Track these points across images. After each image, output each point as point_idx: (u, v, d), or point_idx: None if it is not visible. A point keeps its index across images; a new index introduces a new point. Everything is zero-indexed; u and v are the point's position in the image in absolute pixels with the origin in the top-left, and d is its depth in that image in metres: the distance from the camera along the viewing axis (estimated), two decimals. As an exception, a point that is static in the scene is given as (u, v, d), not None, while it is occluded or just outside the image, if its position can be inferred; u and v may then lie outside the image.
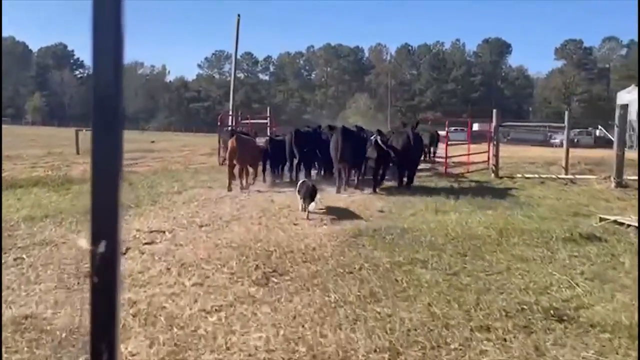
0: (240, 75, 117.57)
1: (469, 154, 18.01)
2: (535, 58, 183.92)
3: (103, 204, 1.06)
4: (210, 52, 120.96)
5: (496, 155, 16.91)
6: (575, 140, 51.58)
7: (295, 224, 8.76)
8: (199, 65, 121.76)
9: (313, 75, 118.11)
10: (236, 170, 13.18)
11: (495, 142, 17.03)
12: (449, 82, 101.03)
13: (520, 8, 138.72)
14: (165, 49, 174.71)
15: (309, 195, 9.69)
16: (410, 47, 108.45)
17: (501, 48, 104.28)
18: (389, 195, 13.03)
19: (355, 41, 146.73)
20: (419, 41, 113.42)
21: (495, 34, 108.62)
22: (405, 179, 14.24)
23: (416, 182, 14.77)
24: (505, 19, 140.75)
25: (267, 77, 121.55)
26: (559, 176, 16.30)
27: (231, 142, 12.85)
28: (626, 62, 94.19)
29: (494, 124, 17.31)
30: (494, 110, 17.66)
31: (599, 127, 61.08)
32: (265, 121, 20.78)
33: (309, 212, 9.41)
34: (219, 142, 18.00)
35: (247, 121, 20.60)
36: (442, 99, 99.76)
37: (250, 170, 13.97)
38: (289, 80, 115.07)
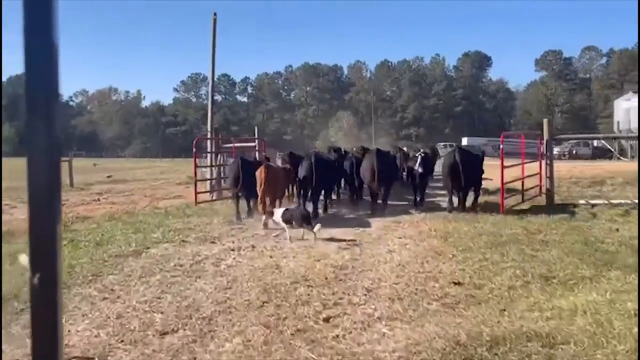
0: (218, 97, 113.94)
1: (523, 178, 13.96)
2: (515, 70, 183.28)
3: (41, 238, 1.04)
4: (186, 75, 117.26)
5: (550, 177, 13.32)
6: (574, 151, 48.89)
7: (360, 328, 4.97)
8: (175, 89, 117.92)
9: (292, 95, 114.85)
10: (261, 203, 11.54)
11: (548, 161, 13.46)
12: (431, 97, 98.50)
13: (499, 21, 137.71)
14: (140, 73, 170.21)
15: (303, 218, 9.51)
16: (389, 63, 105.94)
17: (481, 61, 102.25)
18: (457, 238, 9.18)
19: (334, 59, 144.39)
20: (398, 57, 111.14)
21: (474, 47, 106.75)
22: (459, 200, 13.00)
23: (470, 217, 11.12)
24: (484, 32, 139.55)
25: (245, 99, 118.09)
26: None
27: (260, 173, 11.37)
28: (607, 72, 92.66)
29: (545, 136, 13.74)
30: (545, 120, 14.15)
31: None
32: (252, 144, 17.07)
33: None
34: (195, 172, 14.09)
35: (231, 145, 16.79)
36: (424, 114, 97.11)
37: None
38: (268, 101, 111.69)
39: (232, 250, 8.61)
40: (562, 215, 11.28)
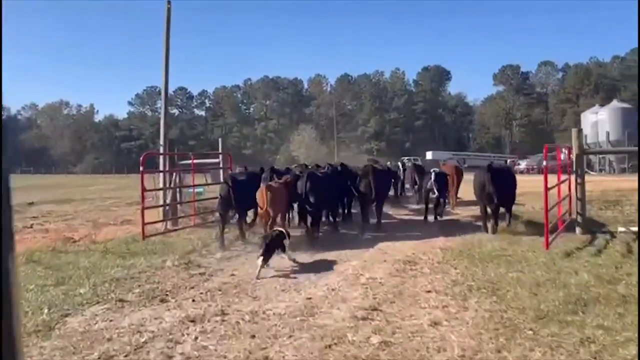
0: (175, 111, 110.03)
1: (560, 202, 11.37)
2: (474, 85, 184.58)
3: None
4: (142, 88, 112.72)
5: (582, 199, 10.87)
6: (544, 164, 46.95)
7: None
8: (130, 102, 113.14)
9: (252, 109, 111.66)
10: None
11: (579, 179, 11.02)
12: (391, 112, 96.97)
13: (458, 35, 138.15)
14: (93, 86, 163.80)
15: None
16: (350, 77, 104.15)
17: (441, 76, 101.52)
18: (512, 295, 6.43)
19: (294, 73, 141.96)
20: (359, 71, 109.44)
21: (434, 62, 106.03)
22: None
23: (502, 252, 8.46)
24: (444, 46, 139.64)
25: (203, 113, 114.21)
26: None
27: (261, 193, 10.47)
28: (563, 86, 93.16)
29: (575, 150, 11.31)
30: (573, 130, 11.75)
31: (564, 151, 57.75)
32: (214, 160, 14.12)
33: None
34: (142, 196, 10.92)
35: (190, 161, 13.76)
36: (385, 128, 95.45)
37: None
38: (226, 115, 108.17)
39: (192, 321, 5.74)
40: (619, 249, 8.80)
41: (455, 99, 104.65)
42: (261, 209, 10.61)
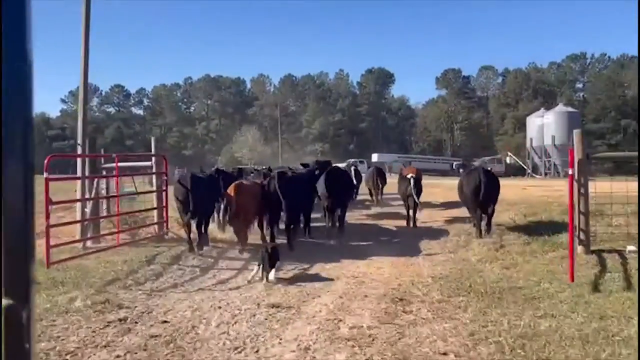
0: (111, 109, 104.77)
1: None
2: (417, 88, 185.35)
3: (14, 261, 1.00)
4: (76, 85, 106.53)
5: (586, 213, 9.15)
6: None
7: None
8: (63, 100, 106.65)
9: (192, 109, 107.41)
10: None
11: (583, 189, 9.28)
12: (336, 113, 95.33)
13: (401, 38, 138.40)
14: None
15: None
16: (294, 78, 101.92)
17: (384, 78, 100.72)
18: None
19: (236, 72, 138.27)
20: (303, 72, 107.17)
21: (377, 64, 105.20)
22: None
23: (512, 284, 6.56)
24: (387, 49, 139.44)
25: (141, 111, 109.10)
26: None
27: (230, 192, 9.81)
28: (503, 90, 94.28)
29: (577, 154, 9.57)
30: (575, 131, 10.06)
31: (509, 154, 57.60)
32: (146, 163, 11.61)
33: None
34: (47, 211, 8.16)
35: (114, 164, 11.16)
36: (329, 130, 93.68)
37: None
38: (165, 114, 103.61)
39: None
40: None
41: (398, 102, 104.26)
42: (232, 210, 9.77)
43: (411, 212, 14.15)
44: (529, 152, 53.21)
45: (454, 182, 16.01)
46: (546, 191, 21.64)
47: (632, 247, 9.13)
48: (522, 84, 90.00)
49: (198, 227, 10.52)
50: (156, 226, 11.25)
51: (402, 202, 14.84)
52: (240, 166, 24.16)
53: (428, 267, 8.49)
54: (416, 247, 10.78)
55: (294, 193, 10.65)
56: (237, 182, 10.62)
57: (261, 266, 7.95)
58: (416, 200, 13.79)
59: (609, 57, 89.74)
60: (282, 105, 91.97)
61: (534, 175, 48.98)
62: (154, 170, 11.22)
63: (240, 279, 8.23)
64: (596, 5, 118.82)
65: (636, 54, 60.89)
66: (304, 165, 13.68)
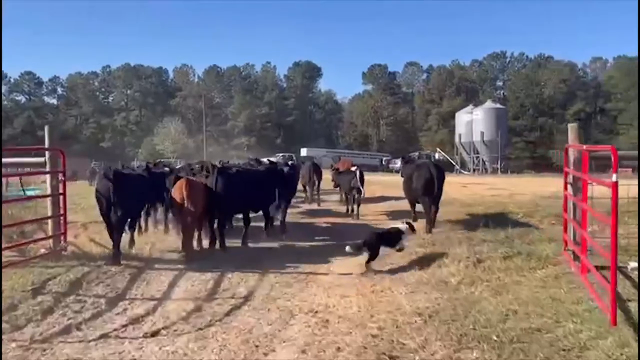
0: (20, 97, 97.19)
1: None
2: (344, 82, 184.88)
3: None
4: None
5: (582, 222, 7.59)
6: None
7: None
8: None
9: (111, 99, 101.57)
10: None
11: (579, 193, 7.65)
12: (262, 106, 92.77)
13: (329, 32, 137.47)
14: None
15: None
16: (219, 69, 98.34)
17: (312, 72, 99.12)
18: None
19: (158, 61, 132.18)
20: (228, 63, 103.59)
21: (304, 57, 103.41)
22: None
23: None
24: (314, 43, 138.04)
25: (54, 101, 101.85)
26: None
27: (179, 189, 9.02)
28: (427, 87, 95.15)
29: (572, 154, 7.98)
30: (570, 126, 8.51)
31: (438, 150, 57.40)
32: (37, 160, 8.97)
33: None
34: None
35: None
36: (255, 123, 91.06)
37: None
38: (81, 104, 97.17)
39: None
40: None
41: (325, 96, 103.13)
42: (178, 207, 9.08)
43: (355, 206, 14.17)
44: (457, 148, 53.30)
45: (388, 178, 15.25)
46: (491, 189, 20.64)
47: (634, 264, 7.72)
48: (445, 80, 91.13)
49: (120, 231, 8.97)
50: (51, 240, 8.80)
51: (333, 199, 15.38)
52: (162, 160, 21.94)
53: (404, 294, 6.67)
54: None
55: (248, 190, 10.08)
56: (185, 178, 9.63)
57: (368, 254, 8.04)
58: (362, 191, 13.93)
59: (527, 56, 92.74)
60: (206, 97, 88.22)
61: (462, 171, 48.99)
62: (47, 168, 8.71)
63: (160, 316, 6.11)
64: (516, 5, 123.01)
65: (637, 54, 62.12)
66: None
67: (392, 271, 8.06)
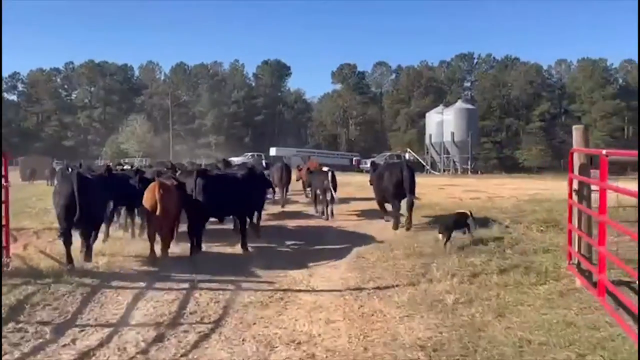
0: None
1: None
2: (313, 82, 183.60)
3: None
4: None
5: (587, 231, 6.87)
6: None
7: None
8: None
9: (74, 96, 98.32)
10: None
11: (585, 201, 6.93)
12: (231, 105, 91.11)
13: (299, 31, 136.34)
14: None
15: None
16: (186, 67, 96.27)
17: (281, 70, 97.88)
18: None
19: (123, 58, 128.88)
20: (195, 60, 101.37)
21: (274, 56, 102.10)
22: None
23: None
24: (283, 41, 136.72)
25: (14, 97, 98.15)
26: None
27: (152, 192, 8.60)
28: (396, 87, 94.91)
29: (578, 158, 7.28)
30: (574, 128, 7.79)
31: (408, 150, 56.97)
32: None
33: None
34: None
35: None
36: (223, 122, 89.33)
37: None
38: (43, 101, 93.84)
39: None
40: None
41: (294, 95, 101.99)
42: (150, 212, 8.70)
43: (327, 207, 13.94)
44: (428, 148, 52.98)
45: (359, 178, 14.97)
46: (468, 192, 20.07)
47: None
48: (414, 81, 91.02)
49: (86, 238, 8.45)
50: (-10, 255, 7.70)
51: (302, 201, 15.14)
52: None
53: (398, 319, 5.84)
54: (357, 268, 8.30)
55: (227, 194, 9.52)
56: (158, 181, 9.09)
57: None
58: (334, 194, 13.70)
59: (494, 58, 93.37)
60: (173, 95, 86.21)
61: (432, 171, 48.74)
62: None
63: (115, 348, 5.16)
64: (483, 6, 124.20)
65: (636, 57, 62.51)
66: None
67: (380, 288, 7.26)
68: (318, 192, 14.60)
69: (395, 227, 11.66)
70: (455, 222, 9.53)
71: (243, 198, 10.01)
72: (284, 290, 7.23)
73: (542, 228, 10.95)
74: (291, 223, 13.68)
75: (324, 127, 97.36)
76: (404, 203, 12.00)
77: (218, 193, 9.30)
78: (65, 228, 8.02)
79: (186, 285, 7.31)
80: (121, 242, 10.36)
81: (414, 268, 8.14)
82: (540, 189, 20.82)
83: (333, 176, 13.90)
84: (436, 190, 19.96)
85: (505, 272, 7.55)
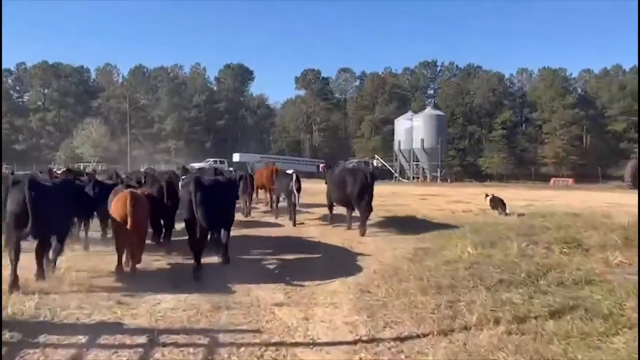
0: None
1: None
2: (276, 87, 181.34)
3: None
4: None
5: None
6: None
7: None
8: None
9: (26, 98, 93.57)
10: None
11: None
12: (191, 109, 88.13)
13: (261, 34, 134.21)
14: None
15: None
16: (145, 69, 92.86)
17: (243, 75, 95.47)
18: None
19: (79, 60, 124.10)
20: (155, 63, 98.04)
21: (236, 60, 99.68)
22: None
23: None
24: (246, 45, 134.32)
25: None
26: None
27: (122, 202, 8.00)
28: (360, 93, 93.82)
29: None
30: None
31: (376, 157, 55.45)
32: None
33: None
34: None
35: None
36: (184, 126, 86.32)
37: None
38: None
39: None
40: None
41: (257, 100, 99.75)
42: (119, 223, 7.96)
43: (293, 212, 13.79)
44: (397, 155, 51.63)
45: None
46: (454, 202, 18.53)
47: None
48: (378, 87, 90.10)
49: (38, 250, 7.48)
50: None
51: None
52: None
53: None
54: (365, 308, 6.48)
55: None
56: (129, 191, 8.37)
57: None
58: (297, 197, 13.65)
59: (457, 66, 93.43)
60: (131, 98, 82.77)
61: (401, 179, 47.41)
62: None
63: None
64: (446, 13, 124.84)
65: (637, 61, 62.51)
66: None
67: (401, 339, 5.47)
68: (282, 196, 14.43)
69: (348, 227, 12.59)
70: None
71: (232, 206, 9.66)
72: (276, 344, 5.37)
73: (564, 249, 9.38)
74: (255, 232, 12.36)
75: (287, 133, 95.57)
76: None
77: (217, 202, 8.43)
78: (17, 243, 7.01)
79: (143, 340, 5.35)
80: (66, 266, 8.25)
81: (438, 308, 6.37)
82: (525, 199, 19.56)
83: (297, 178, 13.76)
84: (419, 201, 18.41)
85: (559, 316, 5.87)
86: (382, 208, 16.20)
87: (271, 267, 8.98)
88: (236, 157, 55.82)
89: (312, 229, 13.10)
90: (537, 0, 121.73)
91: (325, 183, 14.46)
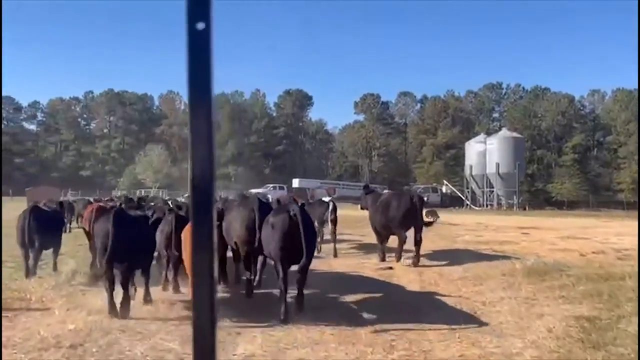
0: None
1: None
2: (335, 112, 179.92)
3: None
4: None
5: None
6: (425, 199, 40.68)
7: None
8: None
9: (93, 125, 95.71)
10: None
11: None
12: (251, 135, 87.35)
13: (321, 60, 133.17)
14: None
15: None
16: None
17: (302, 100, 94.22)
18: None
19: (143, 88, 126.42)
20: (216, 90, 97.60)
21: (295, 85, 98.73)
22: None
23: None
24: (306, 71, 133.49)
25: (34, 127, 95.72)
26: None
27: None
28: (422, 117, 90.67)
29: None
30: None
31: (445, 182, 52.18)
32: None
33: None
34: None
35: None
36: (243, 152, 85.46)
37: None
38: (62, 131, 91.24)
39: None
40: None
41: (316, 126, 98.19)
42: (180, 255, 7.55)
43: (333, 243, 12.60)
44: (468, 181, 47.98)
45: None
46: (565, 238, 15.19)
47: None
48: (440, 111, 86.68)
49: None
50: None
51: None
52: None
53: None
54: None
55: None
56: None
57: None
58: (333, 230, 12.63)
59: (524, 88, 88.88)
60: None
61: (473, 206, 43.82)
62: None
63: None
64: (511, 36, 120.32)
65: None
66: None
67: None
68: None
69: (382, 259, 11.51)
70: None
71: None
72: None
73: None
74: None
75: (345, 158, 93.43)
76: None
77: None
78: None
79: None
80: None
81: None
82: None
83: (334, 208, 12.87)
84: (521, 236, 15.25)
85: None
86: (485, 245, 13.29)
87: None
88: (296, 182, 53.76)
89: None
90: (608, 16, 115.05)
91: (361, 208, 13.53)
